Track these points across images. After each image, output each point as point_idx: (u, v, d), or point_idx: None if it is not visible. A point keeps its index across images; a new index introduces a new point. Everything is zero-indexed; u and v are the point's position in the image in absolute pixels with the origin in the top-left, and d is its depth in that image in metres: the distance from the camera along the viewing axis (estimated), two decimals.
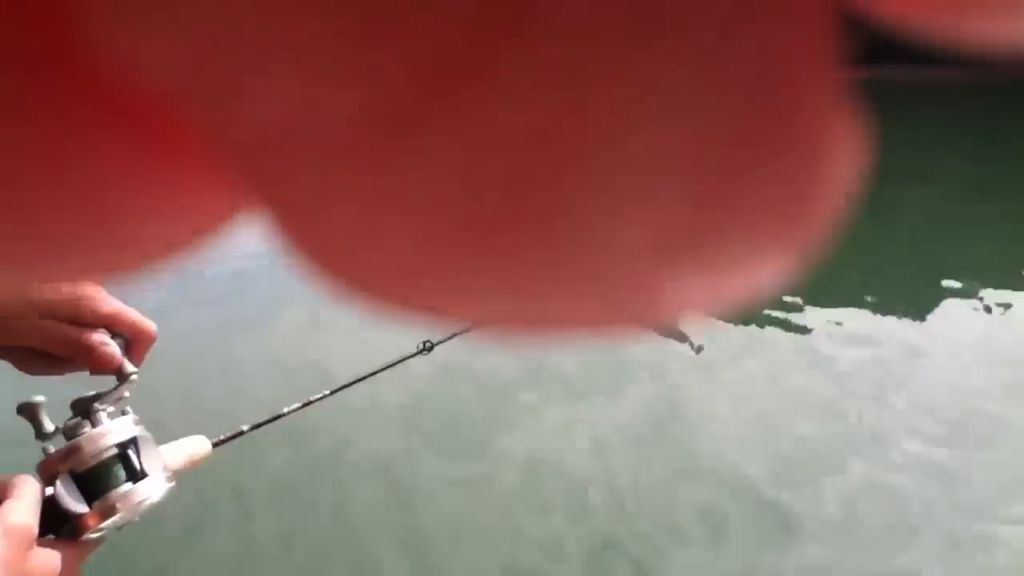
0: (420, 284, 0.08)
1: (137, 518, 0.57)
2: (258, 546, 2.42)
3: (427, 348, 1.30)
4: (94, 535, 0.55)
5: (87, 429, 0.57)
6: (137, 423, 0.60)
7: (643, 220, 0.07)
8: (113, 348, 0.60)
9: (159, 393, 3.55)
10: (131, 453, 0.57)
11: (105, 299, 0.61)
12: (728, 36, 0.07)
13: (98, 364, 0.59)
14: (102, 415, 0.58)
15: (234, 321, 4.19)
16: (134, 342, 0.62)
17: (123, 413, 0.60)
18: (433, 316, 0.08)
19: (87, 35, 0.06)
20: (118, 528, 0.56)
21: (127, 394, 0.61)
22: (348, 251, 0.07)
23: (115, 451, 0.57)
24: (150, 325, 0.62)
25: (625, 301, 0.08)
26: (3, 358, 0.60)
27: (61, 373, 0.61)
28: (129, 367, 0.61)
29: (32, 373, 0.61)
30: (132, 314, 0.62)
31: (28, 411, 0.58)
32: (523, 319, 0.08)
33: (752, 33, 0.07)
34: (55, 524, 0.53)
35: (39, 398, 0.58)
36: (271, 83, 0.06)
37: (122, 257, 0.09)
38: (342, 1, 0.06)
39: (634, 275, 0.08)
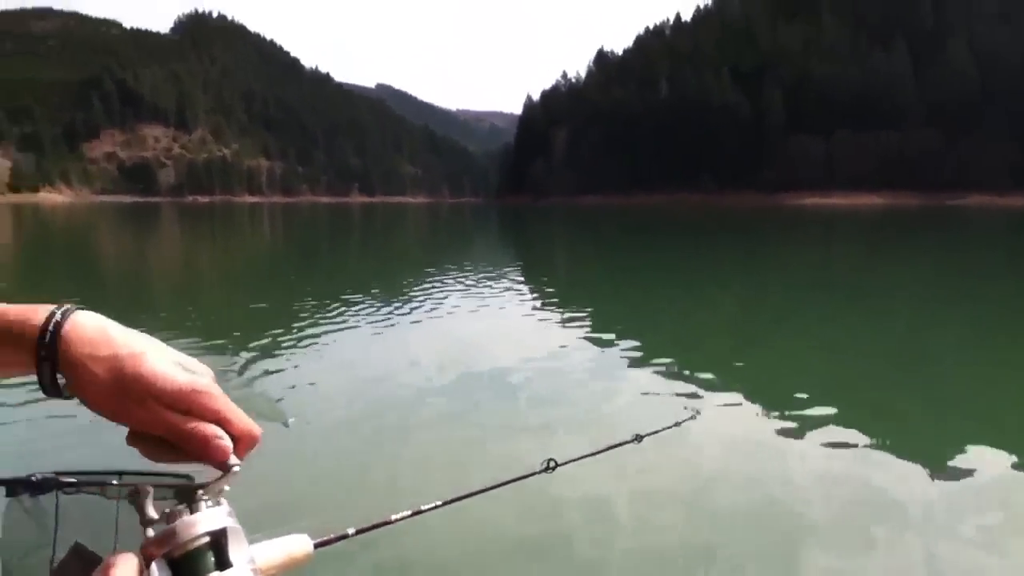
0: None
1: None
2: None
3: (551, 467, 1.41)
4: None
5: (185, 515, 0.60)
6: (230, 514, 0.62)
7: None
8: (226, 442, 0.64)
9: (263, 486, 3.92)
10: (222, 542, 0.60)
11: (218, 396, 0.65)
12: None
13: (210, 455, 0.64)
14: (201, 503, 0.62)
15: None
16: (238, 440, 0.66)
17: (218, 503, 0.63)
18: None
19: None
20: None
21: (227, 487, 0.64)
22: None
23: (207, 539, 0.59)
24: (256, 428, 0.67)
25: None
26: (134, 444, 0.66)
27: (178, 462, 0.66)
28: (233, 460, 0.64)
29: (157, 461, 0.66)
30: (240, 414, 0.66)
31: (136, 498, 0.63)
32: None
33: None
34: None
35: (149, 487, 0.63)
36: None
37: None
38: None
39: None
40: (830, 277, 18.04)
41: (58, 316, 0.65)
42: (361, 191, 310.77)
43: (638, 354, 8.29)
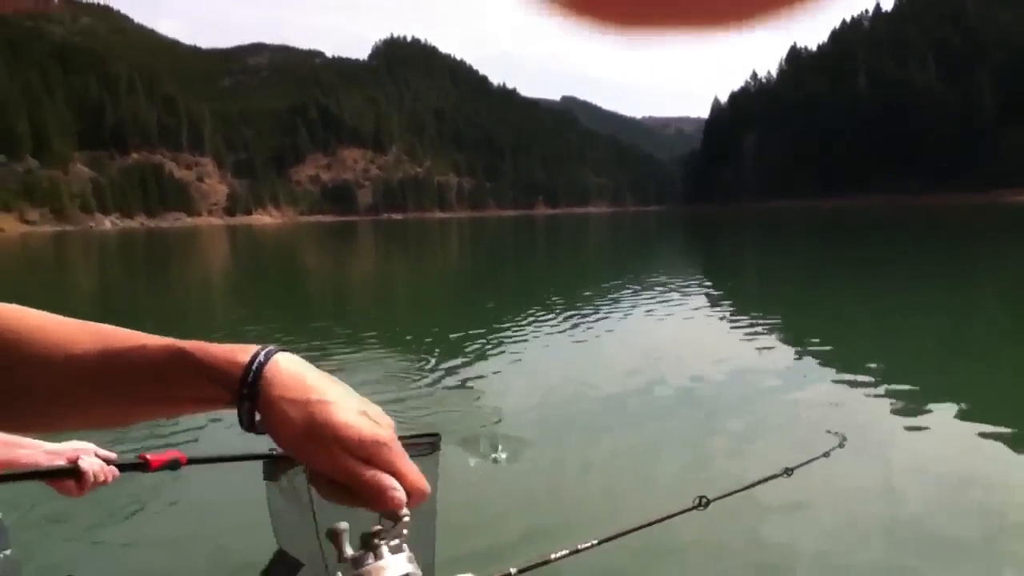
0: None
1: None
2: None
3: (703, 503, 1.37)
4: None
5: (371, 562, 0.65)
6: (410, 560, 0.67)
7: None
8: (400, 494, 0.67)
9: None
10: None
11: (397, 450, 0.69)
12: None
13: (384, 505, 0.68)
14: (383, 549, 0.66)
15: None
16: (411, 494, 0.69)
17: (400, 549, 0.67)
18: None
19: None
20: None
21: (405, 532, 0.68)
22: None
23: None
24: (426, 485, 0.70)
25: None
26: (313, 483, 0.71)
27: (352, 505, 0.69)
28: (405, 511, 0.68)
29: (333, 502, 0.69)
30: (415, 472, 0.70)
31: (334, 536, 0.68)
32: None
33: None
34: None
35: (343, 525, 0.68)
36: None
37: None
38: None
39: None
40: None
41: (261, 357, 0.70)
42: (546, 203, 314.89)
43: (810, 370, 7.88)
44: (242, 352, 0.71)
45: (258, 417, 0.69)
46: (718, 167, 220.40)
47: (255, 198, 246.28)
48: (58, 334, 0.73)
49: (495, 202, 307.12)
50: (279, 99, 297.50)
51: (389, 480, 0.67)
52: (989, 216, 61.10)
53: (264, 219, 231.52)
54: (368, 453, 0.68)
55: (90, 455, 1.31)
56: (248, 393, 0.69)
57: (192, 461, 1.39)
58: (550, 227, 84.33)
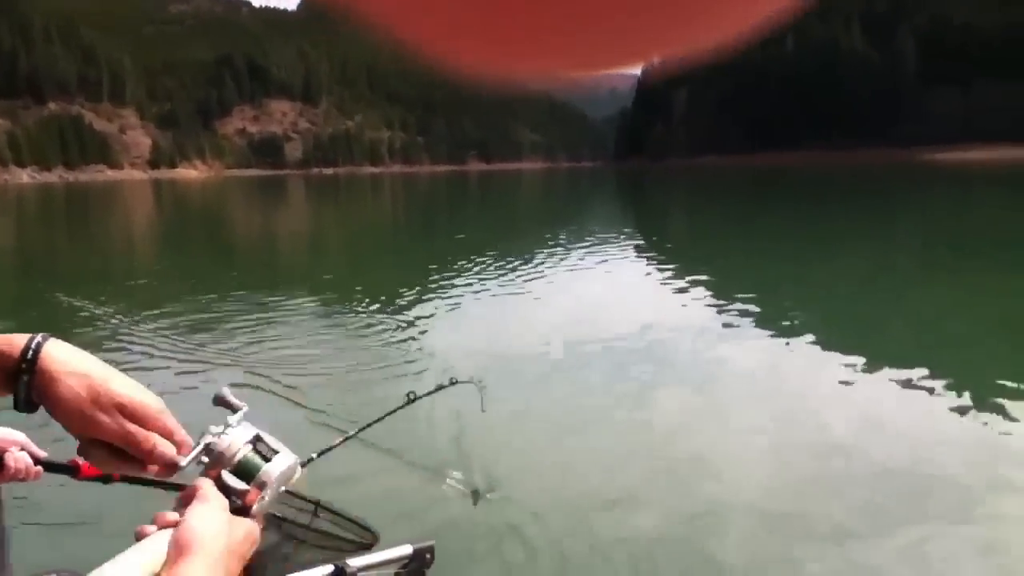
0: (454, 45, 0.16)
1: (284, 487, 0.79)
2: None
3: (410, 400, 1.63)
4: (259, 507, 0.76)
5: (221, 439, 0.78)
6: (251, 426, 0.80)
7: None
8: (168, 449, 0.78)
9: None
10: (259, 444, 0.78)
11: (168, 414, 0.78)
12: None
13: (155, 459, 0.77)
14: (229, 428, 0.78)
15: None
16: (180, 447, 0.79)
17: (239, 424, 0.79)
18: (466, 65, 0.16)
19: None
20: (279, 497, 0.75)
21: (246, 408, 0.81)
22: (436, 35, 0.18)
23: (249, 447, 0.77)
24: (190, 441, 0.79)
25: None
26: (85, 453, 0.77)
27: (125, 470, 0.79)
28: (181, 460, 0.78)
29: (105, 470, 0.81)
30: (180, 430, 0.80)
31: (220, 399, 0.80)
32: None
33: None
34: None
35: (225, 389, 0.80)
36: None
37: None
38: None
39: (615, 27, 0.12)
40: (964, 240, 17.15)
41: (39, 338, 0.76)
42: (479, 158, 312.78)
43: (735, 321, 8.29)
44: (17, 337, 0.76)
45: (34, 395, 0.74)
46: (649, 124, 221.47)
47: (180, 151, 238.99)
48: None
49: (428, 157, 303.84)
50: (204, 49, 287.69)
51: (161, 439, 0.77)
52: (910, 172, 62.98)
53: (190, 172, 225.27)
54: (144, 417, 0.76)
55: (18, 447, 1.27)
56: (27, 368, 0.73)
57: (124, 478, 1.38)
58: (483, 183, 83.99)
